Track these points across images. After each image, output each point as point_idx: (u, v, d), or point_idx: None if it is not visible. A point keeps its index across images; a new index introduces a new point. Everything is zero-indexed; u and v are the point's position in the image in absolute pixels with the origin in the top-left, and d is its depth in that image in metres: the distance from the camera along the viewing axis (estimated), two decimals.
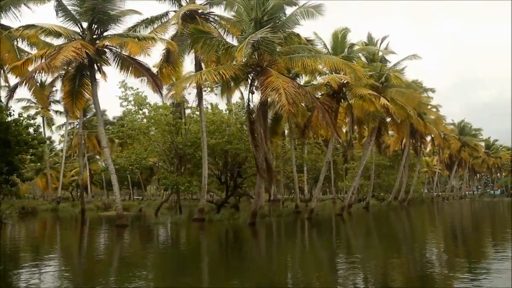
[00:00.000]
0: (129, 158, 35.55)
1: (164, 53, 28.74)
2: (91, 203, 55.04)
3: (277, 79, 20.47)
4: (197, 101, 29.60)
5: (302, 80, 34.59)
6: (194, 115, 38.99)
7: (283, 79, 20.82)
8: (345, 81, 28.40)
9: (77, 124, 58.47)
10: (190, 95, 38.07)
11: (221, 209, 36.81)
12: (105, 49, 24.18)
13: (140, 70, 24.10)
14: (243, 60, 21.74)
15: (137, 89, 34.99)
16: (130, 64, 24.11)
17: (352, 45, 29.63)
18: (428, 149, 79.93)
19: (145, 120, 35.10)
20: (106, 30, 24.54)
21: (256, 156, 23.04)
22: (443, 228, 26.67)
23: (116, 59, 24.27)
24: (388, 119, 41.44)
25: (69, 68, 26.37)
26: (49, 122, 59.36)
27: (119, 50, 23.96)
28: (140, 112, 34.90)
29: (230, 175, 39.45)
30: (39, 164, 52.97)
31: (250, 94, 23.29)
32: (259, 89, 21.13)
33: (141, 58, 23.88)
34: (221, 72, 21.60)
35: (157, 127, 35.06)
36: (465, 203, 65.23)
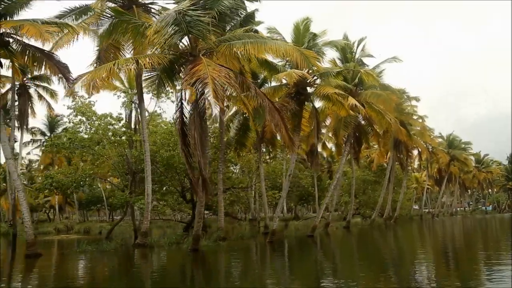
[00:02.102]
0: (73, 175, 30.30)
1: (97, 51, 23.91)
2: (49, 225, 49.82)
3: (206, 67, 15.50)
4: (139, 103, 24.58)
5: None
6: (150, 126, 33.99)
7: (215, 67, 15.85)
8: (309, 80, 23.52)
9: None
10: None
11: (189, 230, 31.90)
12: (6, 38, 19.15)
13: (46, 61, 19.04)
14: (165, 45, 16.78)
15: (88, 98, 30.11)
16: (35, 53, 19.04)
17: (314, 35, 24.60)
18: (416, 164, 74.84)
19: (90, 131, 29.95)
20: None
21: (188, 168, 17.90)
22: (430, 250, 21.47)
23: (18, 49, 19.16)
24: (368, 129, 36.56)
25: None
26: None
27: (22, 39, 18.93)
28: (84, 122, 29.80)
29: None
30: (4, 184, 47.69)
31: (183, 91, 18.24)
32: (183, 80, 16.09)
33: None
34: (141, 61, 16.68)
35: (104, 139, 29.95)
36: (456, 220, 59.86)
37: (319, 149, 55.39)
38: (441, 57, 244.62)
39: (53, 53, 20.00)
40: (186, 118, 18.18)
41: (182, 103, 18.36)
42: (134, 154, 30.62)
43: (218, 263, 18.52)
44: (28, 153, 59.19)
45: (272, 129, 22.89)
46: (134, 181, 32.34)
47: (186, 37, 18.03)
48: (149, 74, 19.98)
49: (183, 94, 18.23)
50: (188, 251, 20.37)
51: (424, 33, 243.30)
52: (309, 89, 25.12)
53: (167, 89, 23.49)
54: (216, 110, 15.81)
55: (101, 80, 20.28)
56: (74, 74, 21.11)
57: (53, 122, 52.91)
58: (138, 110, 33.59)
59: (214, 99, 14.17)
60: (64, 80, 19.78)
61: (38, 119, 47.47)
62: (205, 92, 14.93)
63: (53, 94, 41.23)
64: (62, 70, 19.20)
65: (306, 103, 24.83)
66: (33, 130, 52.02)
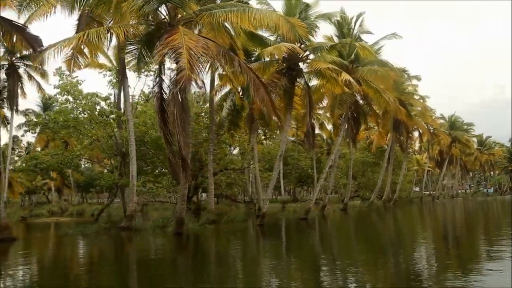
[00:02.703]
0: (59, 156, 29.06)
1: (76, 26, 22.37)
2: (45, 207, 48.90)
3: (182, 37, 14.03)
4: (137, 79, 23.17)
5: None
6: (139, 106, 32.63)
7: (192, 37, 14.37)
8: (300, 55, 21.98)
9: None
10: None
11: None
12: None
13: (15, 33, 17.57)
14: (141, 14, 15.28)
15: (76, 77, 28.74)
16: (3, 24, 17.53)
17: (307, 6, 22.84)
18: (417, 146, 73.32)
19: (76, 111, 28.61)
20: None
21: (168, 148, 16.57)
22: (426, 233, 20.25)
23: None
24: (367, 108, 35.02)
25: None
26: None
27: None
28: (70, 101, 28.46)
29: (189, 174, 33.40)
30: None
31: (162, 64, 16.79)
32: (156, 51, 14.59)
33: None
34: (114, 32, 15.22)
35: (91, 119, 28.65)
36: (457, 203, 58.57)
37: (318, 130, 54.15)
38: (435, 57, 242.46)
39: (24, 25, 18.53)
40: (165, 93, 16.77)
41: (161, 77, 16.94)
42: (123, 135, 29.47)
43: (194, 248, 17.17)
44: (23, 135, 57.93)
45: (257, 105, 21.37)
46: (123, 163, 31.24)
47: (164, 7, 16.55)
48: (130, 47, 18.58)
49: (162, 67, 16.79)
50: (171, 235, 19.26)
51: (418, 33, 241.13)
52: (302, 65, 23.57)
53: (150, 64, 21.94)
54: (192, 84, 14.37)
55: (80, 55, 19.06)
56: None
57: (47, 103, 51.54)
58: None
59: (188, 71, 12.74)
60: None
61: (31, 100, 46.17)
62: (179, 63, 13.44)
63: (43, 74, 39.76)
64: (31, 42, 17.75)
65: (298, 79, 23.30)
66: (26, 111, 50.75)
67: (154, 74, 21.52)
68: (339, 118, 30.38)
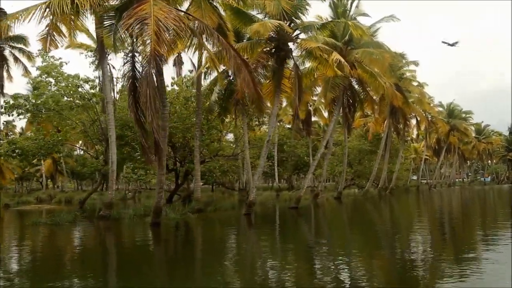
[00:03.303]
0: (39, 141, 27.57)
1: None
2: (35, 194, 47.70)
3: (150, 7, 12.47)
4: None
5: None
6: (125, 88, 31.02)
7: (162, 8, 12.79)
8: (290, 33, 20.39)
9: None
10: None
11: (172, 200, 30.10)
12: None
13: None
14: None
15: (60, 58, 27.19)
16: None
17: None
18: (415, 134, 71.85)
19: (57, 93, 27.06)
20: None
21: (140, 131, 15.10)
22: (421, 223, 18.90)
23: None
24: (362, 94, 33.51)
25: None
26: None
27: None
28: (51, 83, 26.94)
29: (179, 160, 32.01)
30: None
31: (135, 39, 15.26)
32: (122, 22, 13.04)
33: None
34: (77, 1, 13.65)
35: (71, 103, 27.12)
36: (454, 191, 57.35)
37: (315, 118, 52.56)
38: (434, 51, 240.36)
39: None
40: (138, 72, 15.25)
41: (133, 54, 15.40)
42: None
43: (160, 241, 15.67)
44: (13, 120, 56.30)
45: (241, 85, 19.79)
46: (108, 148, 29.95)
47: None
48: (106, 22, 17.03)
49: (134, 43, 15.25)
50: (148, 225, 17.89)
51: (418, 28, 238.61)
52: (292, 46, 21.98)
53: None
54: (162, 62, 12.85)
55: (56, 32, 17.60)
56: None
57: (37, 86, 49.82)
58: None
59: (155, 43, 11.23)
60: None
61: (20, 84, 44.46)
62: (143, 35, 11.91)
63: (30, 56, 38.09)
64: None
65: (287, 60, 21.69)
66: (16, 96, 49.00)
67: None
68: (333, 103, 28.85)
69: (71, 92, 26.48)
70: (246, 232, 17.58)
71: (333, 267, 9.85)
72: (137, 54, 16.13)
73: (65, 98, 27.11)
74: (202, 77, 26.90)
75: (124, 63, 15.18)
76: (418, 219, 21.88)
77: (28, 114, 28.04)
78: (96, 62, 28.25)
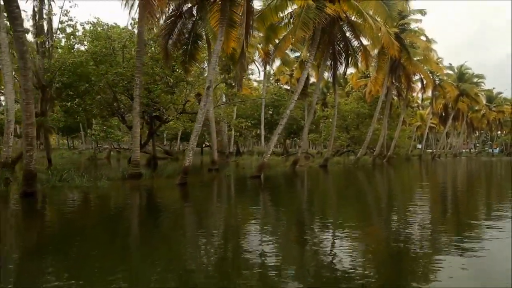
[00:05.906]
0: None
1: None
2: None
3: None
4: None
5: None
6: (69, 27, 25.00)
7: None
8: None
9: None
10: None
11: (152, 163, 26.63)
12: None
13: None
14: None
15: None
16: None
17: None
18: (421, 99, 65.12)
19: None
20: None
21: None
22: (409, 203, 13.16)
23: None
24: (354, 43, 27.13)
25: None
26: None
27: None
28: None
29: (147, 117, 26.97)
30: None
31: None
32: None
33: None
34: None
35: None
36: (459, 162, 51.18)
37: (313, 79, 46.22)
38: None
39: None
40: None
41: None
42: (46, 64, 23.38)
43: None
44: None
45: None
46: (44, 98, 24.76)
47: None
48: None
49: None
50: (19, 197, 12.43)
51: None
52: None
53: None
54: None
55: None
56: None
57: None
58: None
59: None
60: None
61: None
62: None
63: None
64: None
65: None
66: None
67: None
68: (308, 49, 22.53)
69: None
70: (161, 212, 11.97)
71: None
72: None
73: None
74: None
75: None
76: (407, 195, 16.13)
77: None
78: None
